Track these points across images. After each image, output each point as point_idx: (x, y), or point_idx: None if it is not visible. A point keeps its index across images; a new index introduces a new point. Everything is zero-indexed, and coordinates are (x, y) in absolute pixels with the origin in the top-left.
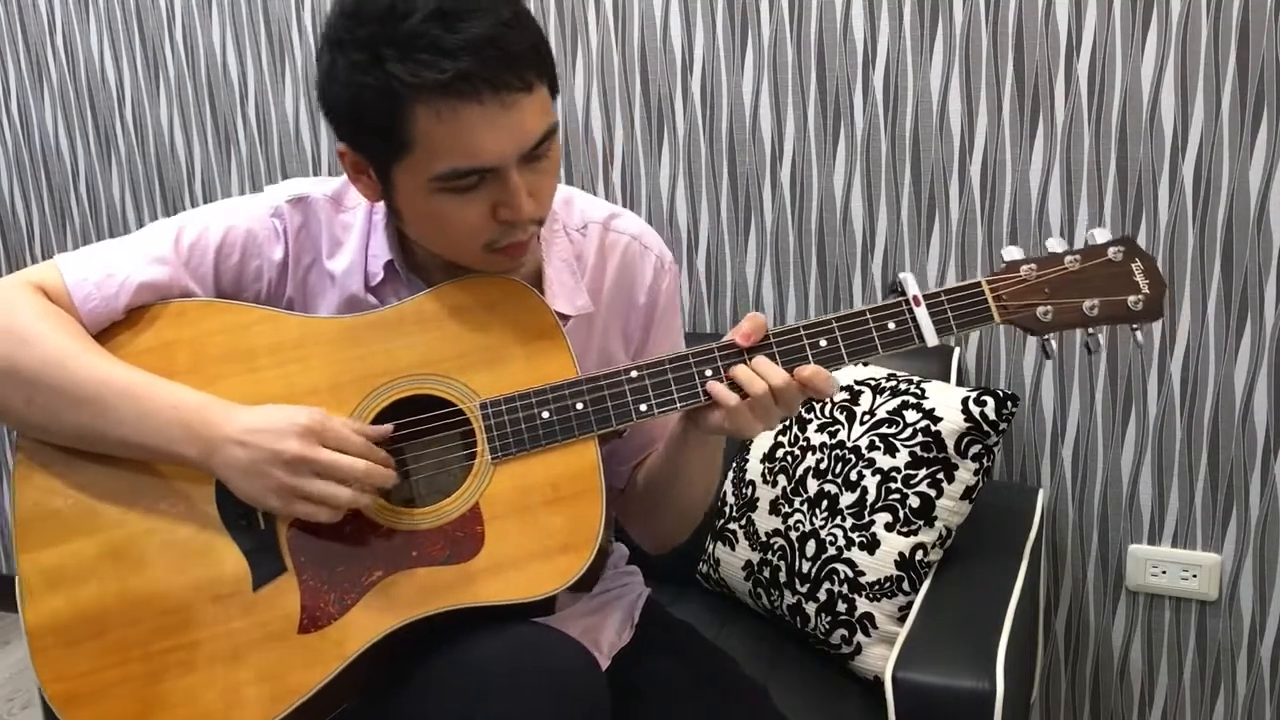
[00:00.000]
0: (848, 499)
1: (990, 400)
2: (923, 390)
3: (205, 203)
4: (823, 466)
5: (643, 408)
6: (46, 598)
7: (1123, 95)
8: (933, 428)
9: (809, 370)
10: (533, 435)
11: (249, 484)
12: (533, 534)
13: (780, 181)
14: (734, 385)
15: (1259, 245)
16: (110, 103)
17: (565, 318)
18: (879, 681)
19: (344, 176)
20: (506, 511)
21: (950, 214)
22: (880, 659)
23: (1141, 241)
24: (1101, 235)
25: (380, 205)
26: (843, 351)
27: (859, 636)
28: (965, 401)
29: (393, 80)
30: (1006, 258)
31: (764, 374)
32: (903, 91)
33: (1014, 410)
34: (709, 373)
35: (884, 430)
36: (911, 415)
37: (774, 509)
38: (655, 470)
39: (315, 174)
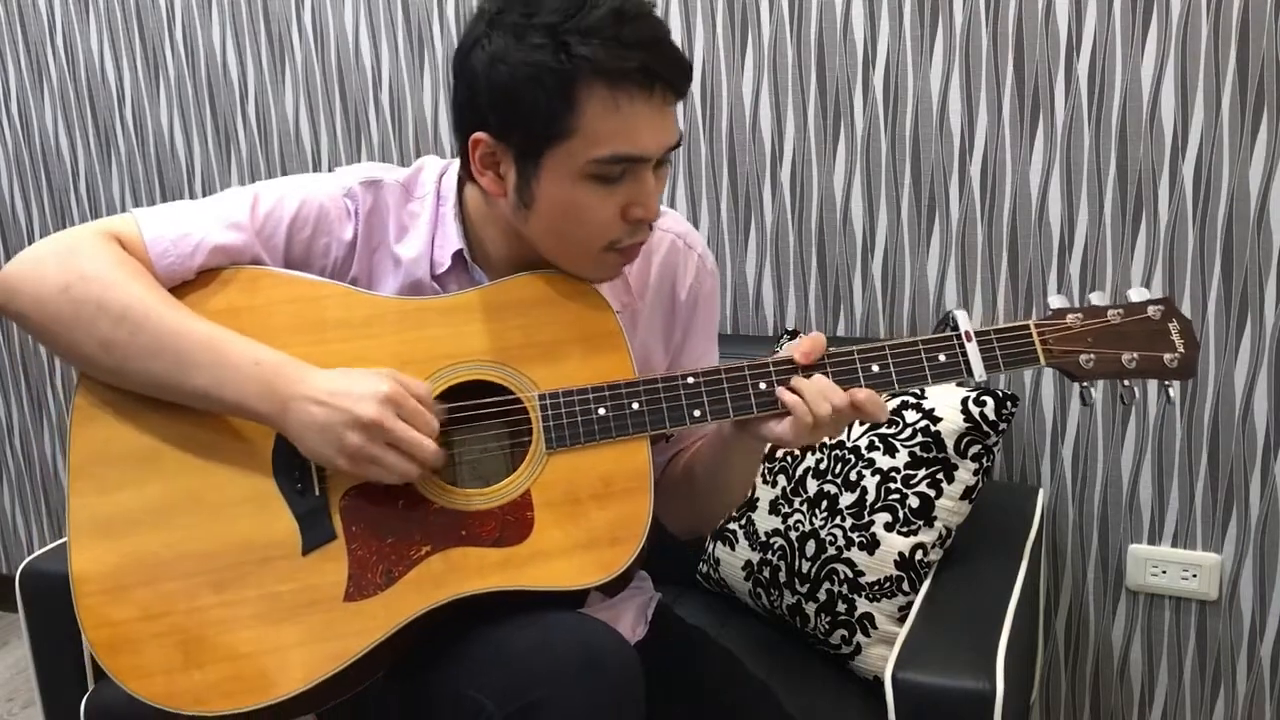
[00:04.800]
0: (847, 499)
1: (990, 400)
2: (922, 390)
3: (217, 193)
4: (822, 466)
5: (696, 413)
6: (96, 544)
7: (1123, 95)
8: (932, 428)
9: (864, 394)
10: (588, 430)
11: (321, 442)
12: (581, 525)
13: (780, 181)
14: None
15: (1259, 245)
16: (110, 103)
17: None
18: (879, 681)
19: (413, 166)
20: (557, 501)
21: (950, 214)
22: (880, 659)
23: (1142, 242)
24: (1138, 294)
25: (449, 197)
26: (894, 378)
27: (859, 636)
28: (965, 402)
29: (579, 60)
30: (1053, 305)
31: (827, 395)
32: (903, 91)
33: (1013, 410)
34: (763, 386)
35: (883, 430)
36: (911, 415)
37: (774, 509)
38: (699, 468)
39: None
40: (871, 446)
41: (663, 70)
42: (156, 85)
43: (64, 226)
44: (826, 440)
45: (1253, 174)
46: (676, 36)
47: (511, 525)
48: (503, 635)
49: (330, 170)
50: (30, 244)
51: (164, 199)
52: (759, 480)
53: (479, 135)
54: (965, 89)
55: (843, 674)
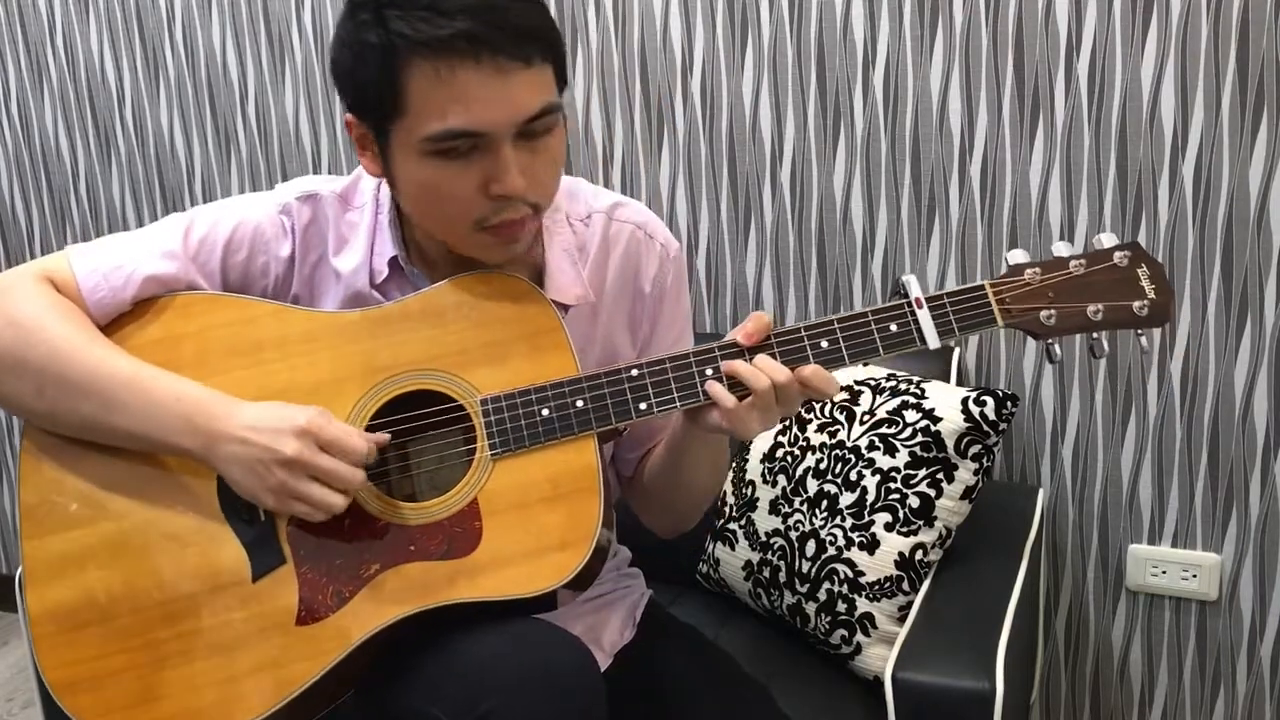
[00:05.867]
0: (847, 499)
1: (990, 400)
2: (922, 390)
3: (205, 203)
4: (822, 466)
5: (642, 406)
6: (50, 585)
7: (1123, 95)
8: (932, 428)
9: (809, 370)
10: (532, 432)
11: (247, 480)
12: (530, 530)
13: (780, 181)
14: (735, 384)
15: (1259, 245)
16: (110, 103)
17: (565, 308)
18: (879, 681)
19: (352, 175)
20: (504, 508)
21: (950, 214)
22: (880, 659)
23: (1141, 241)
24: (1108, 240)
25: (385, 204)
26: (844, 353)
27: (859, 636)
28: (965, 401)
29: (393, 36)
30: (1011, 261)
31: (766, 371)
32: (903, 91)
33: (1014, 410)
34: (709, 372)
35: (884, 430)
36: (911, 415)
37: (774, 509)
38: (659, 464)
39: (315, 174)
40: (871, 446)
41: (487, 36)
42: (156, 85)
43: (64, 227)
44: (784, 424)
45: (1253, 174)
46: (676, 36)
47: (459, 536)
48: (459, 648)
49: (329, 172)
50: (30, 244)
51: (164, 199)
52: (759, 480)
53: (348, 117)
54: (965, 89)
55: (843, 674)
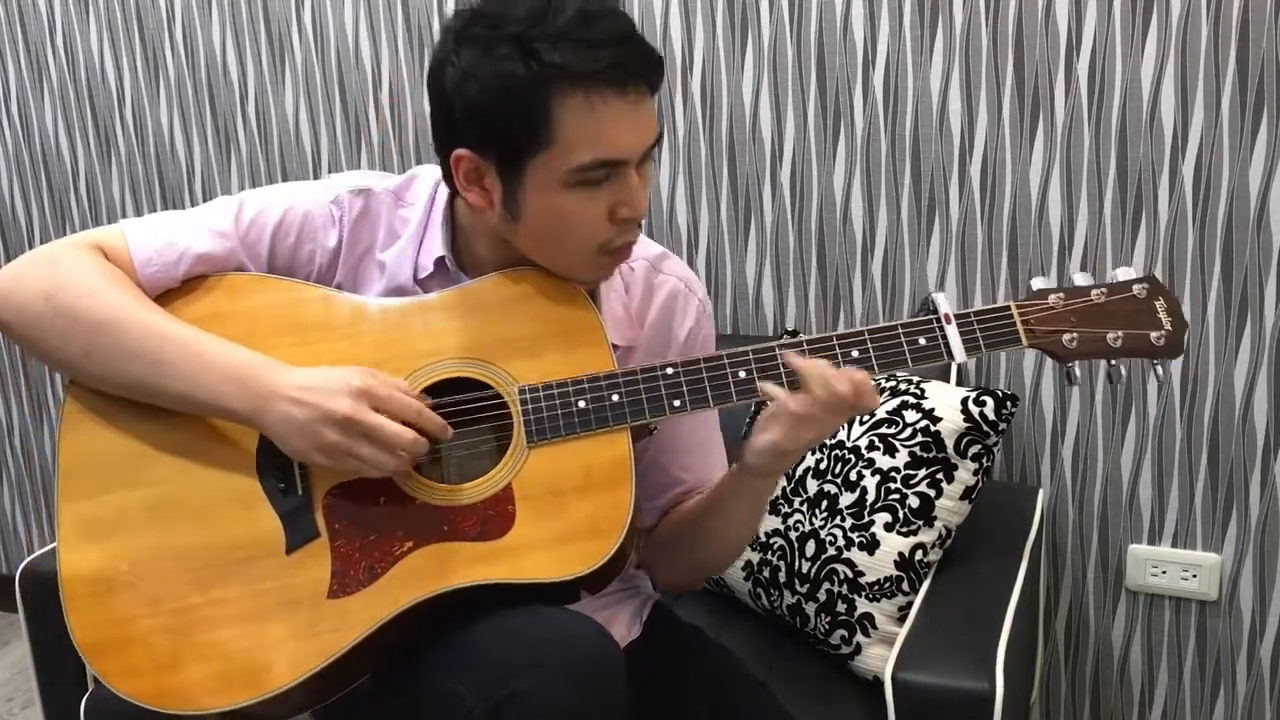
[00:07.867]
0: (847, 499)
1: (990, 400)
2: (922, 390)
3: (205, 203)
4: (822, 466)
5: (676, 404)
6: (83, 547)
7: (1123, 95)
8: (932, 428)
9: (861, 374)
10: (568, 423)
11: (299, 441)
12: (562, 517)
13: (780, 181)
14: (793, 385)
15: (1259, 245)
16: (110, 103)
17: (614, 347)
18: (879, 682)
19: (406, 174)
20: (538, 494)
21: (950, 214)
22: (880, 659)
23: (1142, 241)
24: (1125, 273)
25: (440, 205)
26: (874, 362)
27: (858, 637)
28: (965, 401)
29: (549, 68)
30: (1035, 286)
31: (827, 376)
32: (903, 91)
33: (1013, 410)
34: (742, 374)
35: (883, 430)
36: (911, 415)
37: (773, 509)
38: (690, 513)
39: (314, 174)
40: (871, 446)
41: (634, 66)
42: (156, 85)
43: (64, 226)
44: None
45: (1253, 174)
46: (676, 36)
47: (493, 519)
48: (484, 628)
49: (329, 171)
50: (30, 244)
51: (164, 199)
52: None
53: (460, 152)
54: (965, 89)
55: (843, 674)
